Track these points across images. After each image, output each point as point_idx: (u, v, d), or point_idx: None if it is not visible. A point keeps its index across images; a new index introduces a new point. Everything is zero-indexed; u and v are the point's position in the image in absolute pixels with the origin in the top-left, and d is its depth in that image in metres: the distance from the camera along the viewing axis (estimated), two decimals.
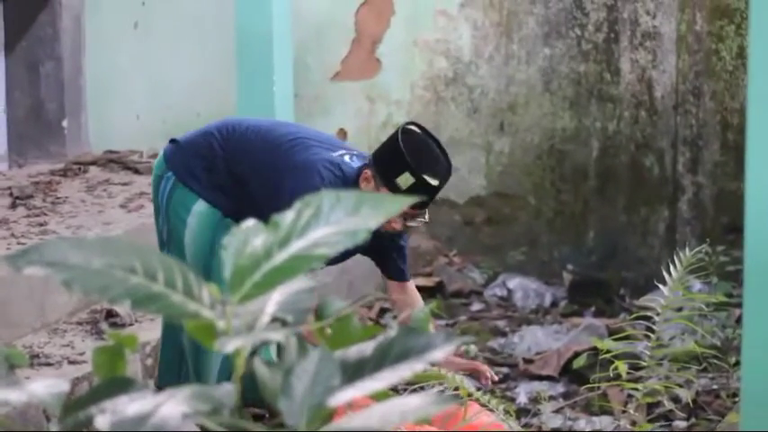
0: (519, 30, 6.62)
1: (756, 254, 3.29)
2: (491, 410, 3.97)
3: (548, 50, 6.59)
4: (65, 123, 6.68)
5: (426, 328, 1.71)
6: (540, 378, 5.29)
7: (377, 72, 6.79)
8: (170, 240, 4.14)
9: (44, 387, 1.44)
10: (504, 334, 5.84)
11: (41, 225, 5.32)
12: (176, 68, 6.83)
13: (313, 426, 1.34)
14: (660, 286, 4.39)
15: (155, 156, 5.45)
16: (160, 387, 4.07)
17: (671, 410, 4.57)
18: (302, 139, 4.04)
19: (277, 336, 1.40)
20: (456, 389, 3.83)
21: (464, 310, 6.19)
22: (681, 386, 4.52)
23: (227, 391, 1.35)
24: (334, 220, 1.43)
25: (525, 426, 4.62)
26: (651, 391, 4.34)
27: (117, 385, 1.40)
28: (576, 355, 5.15)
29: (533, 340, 5.68)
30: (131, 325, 4.86)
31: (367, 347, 1.44)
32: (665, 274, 4.35)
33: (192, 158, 4.11)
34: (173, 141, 4.21)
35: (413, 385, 3.98)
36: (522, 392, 5.10)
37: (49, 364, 4.41)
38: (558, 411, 4.88)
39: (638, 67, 6.47)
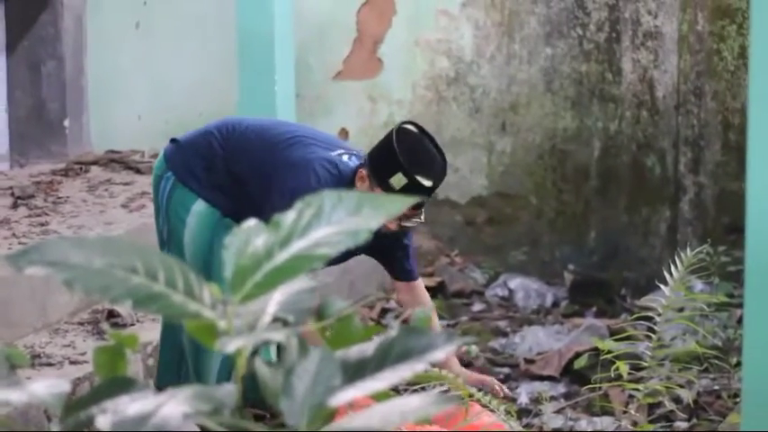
0: (520, 29, 6.62)
1: (757, 254, 3.29)
2: (492, 411, 3.97)
3: (549, 50, 6.59)
4: (66, 123, 6.67)
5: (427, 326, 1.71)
6: (542, 378, 5.28)
7: (378, 72, 6.79)
8: (170, 240, 4.14)
9: (45, 387, 1.44)
10: (505, 334, 5.83)
11: (43, 225, 5.31)
12: (178, 68, 6.82)
13: (314, 426, 1.34)
14: (661, 286, 4.38)
15: (156, 156, 5.44)
16: (159, 388, 4.06)
17: (672, 411, 4.56)
18: (301, 138, 4.04)
19: (278, 336, 1.40)
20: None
21: (465, 311, 6.19)
22: (682, 387, 4.51)
23: (229, 392, 1.35)
24: (335, 220, 1.43)
25: (526, 426, 4.62)
26: (652, 391, 4.33)
27: (118, 385, 1.40)
28: (578, 355, 5.15)
29: (534, 340, 5.68)
30: (132, 325, 4.86)
31: (368, 347, 1.44)
32: (666, 274, 4.34)
33: (192, 158, 4.11)
34: (173, 141, 4.21)
35: (414, 385, 3.98)
36: (524, 393, 5.09)
37: (50, 365, 4.41)
38: (559, 412, 4.88)
39: (639, 67, 6.47)
